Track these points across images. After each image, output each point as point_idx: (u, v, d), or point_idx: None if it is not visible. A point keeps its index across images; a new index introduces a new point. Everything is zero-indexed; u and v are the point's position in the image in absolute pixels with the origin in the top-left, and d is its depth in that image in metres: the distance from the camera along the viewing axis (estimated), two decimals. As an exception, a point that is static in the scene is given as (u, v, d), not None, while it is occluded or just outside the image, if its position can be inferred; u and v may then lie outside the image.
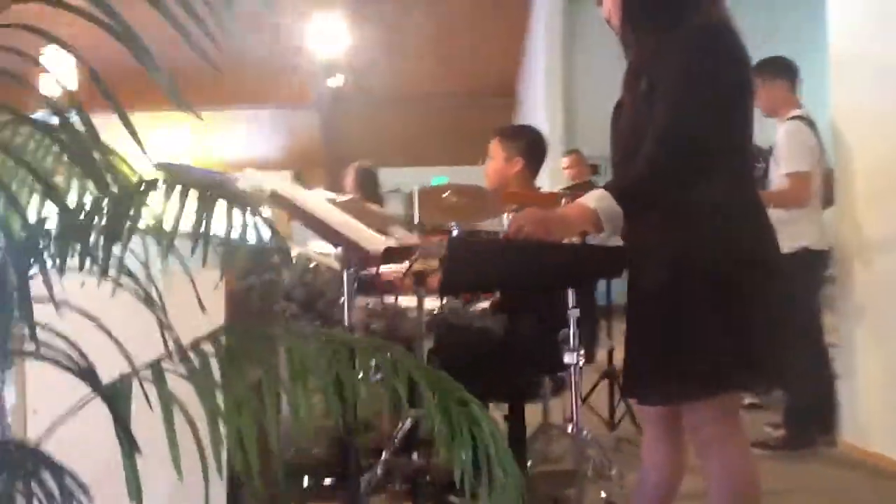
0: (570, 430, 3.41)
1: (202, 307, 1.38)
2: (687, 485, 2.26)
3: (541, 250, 1.95)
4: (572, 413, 3.05)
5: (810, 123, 4.32)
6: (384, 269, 3.60)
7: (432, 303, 3.77)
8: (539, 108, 9.38)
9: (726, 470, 1.99)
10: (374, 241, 2.48)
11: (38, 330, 1.14)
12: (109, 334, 1.21)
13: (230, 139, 10.40)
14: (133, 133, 1.16)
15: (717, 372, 1.90)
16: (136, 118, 1.22)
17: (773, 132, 4.40)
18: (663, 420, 2.18)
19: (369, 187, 5.40)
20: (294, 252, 3.45)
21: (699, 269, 1.90)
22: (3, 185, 1.11)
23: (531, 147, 3.59)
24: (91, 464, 1.39)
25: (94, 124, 1.18)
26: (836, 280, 4.51)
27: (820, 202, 4.39)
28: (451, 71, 10.01)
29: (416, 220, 3.52)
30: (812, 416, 4.35)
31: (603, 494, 3.31)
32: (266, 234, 1.52)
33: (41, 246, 1.20)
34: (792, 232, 3.97)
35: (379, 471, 3.46)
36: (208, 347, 1.23)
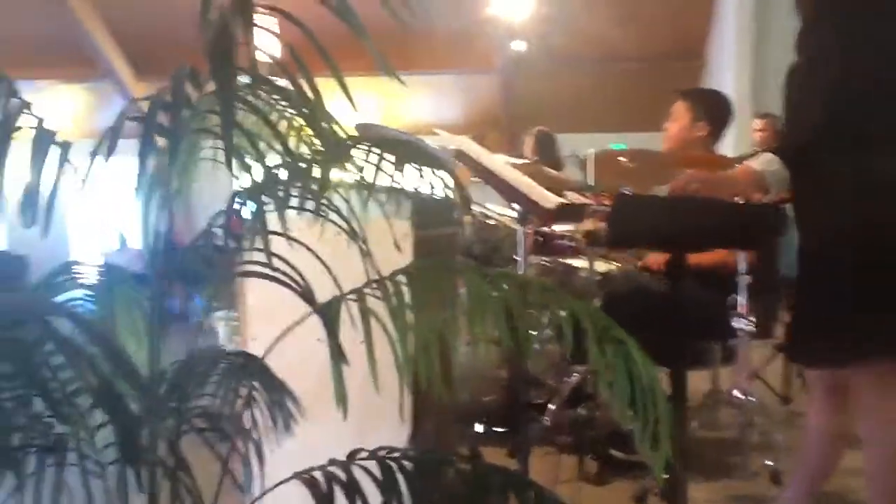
0: (737, 397, 3.42)
1: (398, 247, 1.59)
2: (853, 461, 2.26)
3: (705, 207, 2.01)
4: (740, 381, 3.07)
5: None
6: (559, 228, 3.72)
7: (607, 265, 3.87)
8: (727, 71, 9.03)
9: (888, 436, 1.99)
10: (548, 199, 2.61)
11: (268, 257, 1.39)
12: (323, 262, 1.44)
13: (414, 104, 10.80)
14: (348, 95, 1.36)
15: (882, 334, 1.90)
16: (329, 83, 1.41)
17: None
18: (830, 385, 2.19)
19: (547, 152, 5.51)
20: (475, 210, 3.65)
21: (867, 232, 1.90)
22: (250, 137, 1.36)
23: (717, 111, 3.56)
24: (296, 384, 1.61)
25: (317, 87, 1.40)
26: None
27: None
28: (636, 33, 9.81)
29: (591, 184, 3.62)
30: None
31: (768, 462, 3.31)
32: (450, 190, 1.70)
33: (272, 189, 1.45)
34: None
35: (546, 422, 3.63)
36: (401, 278, 1.43)
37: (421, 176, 1.61)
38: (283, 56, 1.41)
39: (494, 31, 9.69)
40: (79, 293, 1.46)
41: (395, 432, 2.24)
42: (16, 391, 0.95)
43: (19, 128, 1.27)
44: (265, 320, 2.21)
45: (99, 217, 9.93)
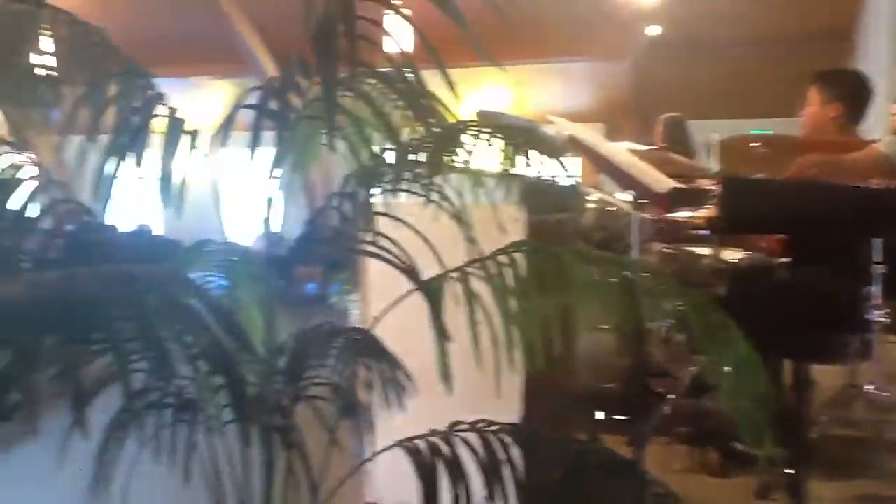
0: (872, 393, 3.26)
1: (503, 230, 1.64)
2: None
3: (826, 192, 1.93)
4: (876, 376, 2.92)
5: None
6: (683, 215, 3.64)
7: (734, 254, 3.75)
8: (880, 53, 8.46)
9: None
10: (662, 182, 2.57)
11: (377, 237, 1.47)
12: (426, 240, 1.50)
13: (545, 93, 10.77)
14: (450, 84, 1.41)
15: None
16: (466, 72, 1.47)
17: None
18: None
19: (677, 139, 5.39)
20: (594, 197, 3.64)
21: None
22: (358, 124, 1.44)
23: (852, 91, 3.38)
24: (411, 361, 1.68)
25: (421, 77, 1.46)
26: None
27: None
28: (778, 14, 9.35)
29: (717, 170, 3.52)
30: None
31: (904, 463, 3.13)
32: (563, 175, 1.72)
33: (381, 173, 1.53)
34: None
35: (667, 412, 3.58)
36: (502, 259, 1.47)
37: (528, 162, 1.64)
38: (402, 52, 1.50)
39: (628, 16, 9.51)
40: (207, 270, 1.61)
41: (507, 413, 2.29)
42: (143, 354, 1.06)
43: (155, 116, 1.40)
44: (384, 300, 2.30)
45: (248, 204, 10.52)
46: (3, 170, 1.29)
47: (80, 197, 1.44)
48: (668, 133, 5.41)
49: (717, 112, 8.53)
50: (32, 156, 1.42)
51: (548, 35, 9.43)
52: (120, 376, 0.97)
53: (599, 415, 3.77)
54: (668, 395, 3.58)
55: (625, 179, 2.70)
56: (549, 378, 2.74)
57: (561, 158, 1.66)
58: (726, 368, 1.57)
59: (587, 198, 3.53)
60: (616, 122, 9.98)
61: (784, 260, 3.35)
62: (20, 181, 1.30)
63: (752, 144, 3.49)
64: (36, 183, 1.33)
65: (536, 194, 2.35)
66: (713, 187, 3.28)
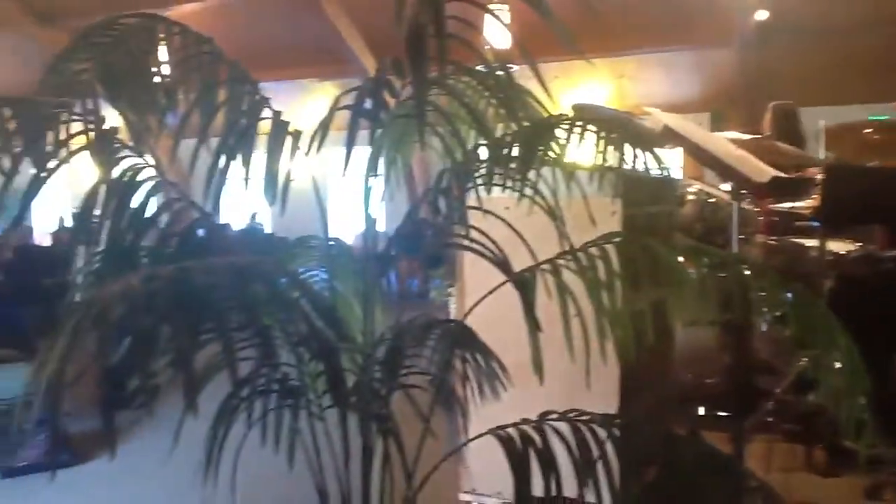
0: None
1: (593, 222, 1.64)
2: None
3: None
4: None
5: None
6: (789, 206, 3.53)
7: (844, 245, 3.61)
8: None
9: None
10: (762, 172, 2.50)
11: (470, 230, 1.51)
12: (519, 234, 1.53)
13: (647, 84, 10.54)
14: (539, 78, 1.43)
15: None
16: (567, 67, 1.48)
17: None
18: None
19: (786, 127, 5.18)
20: (694, 189, 3.57)
21: None
22: (450, 121, 1.48)
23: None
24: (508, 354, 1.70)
25: (511, 73, 1.49)
26: None
27: None
28: (897, -5, 8.86)
29: (823, 157, 3.39)
30: None
31: None
32: (658, 168, 1.71)
33: (474, 168, 1.56)
34: None
35: (770, 408, 3.48)
36: (593, 251, 1.48)
37: (623, 155, 1.64)
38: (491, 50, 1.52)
39: (733, 2, 9.20)
40: (310, 265, 1.68)
41: (603, 407, 2.28)
42: (250, 342, 1.14)
43: (261, 119, 1.49)
44: (478, 294, 2.34)
45: (353, 202, 10.82)
46: (123, 172, 1.39)
47: (194, 197, 1.54)
48: (777, 122, 5.21)
49: (826, 98, 8.15)
50: (150, 159, 1.52)
51: (649, 24, 9.23)
52: (228, 363, 1.04)
53: (700, 411, 3.70)
54: (773, 391, 3.48)
55: (724, 170, 2.64)
56: (647, 372, 2.72)
57: (658, 150, 1.66)
58: (833, 364, 1.53)
59: (686, 190, 3.46)
60: (722, 112, 9.67)
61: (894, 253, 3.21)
62: (139, 182, 1.40)
63: (865, 131, 3.35)
64: (153, 184, 1.43)
65: (633, 187, 2.34)
66: (819, 177, 3.16)
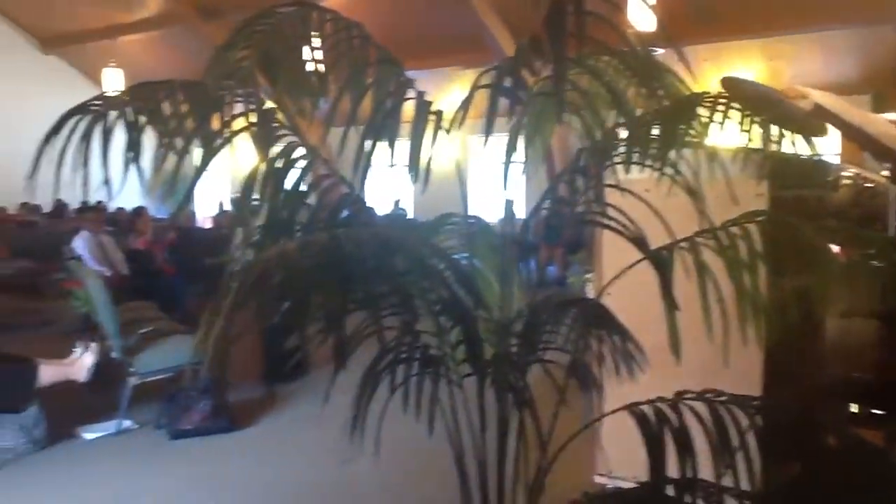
0: None
1: (736, 202, 1.61)
2: None
3: None
4: None
5: None
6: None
7: None
8: None
9: None
10: (924, 154, 2.34)
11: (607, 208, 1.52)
12: (657, 213, 1.52)
13: (803, 65, 9.99)
14: (683, 59, 1.42)
15: None
16: (716, 48, 1.46)
17: None
18: None
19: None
20: (849, 172, 3.38)
21: None
22: (589, 100, 1.49)
23: None
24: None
25: (651, 53, 1.48)
26: None
27: None
28: None
29: None
30: None
31: None
32: (809, 150, 1.65)
33: (612, 147, 1.57)
34: None
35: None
36: (734, 230, 1.46)
37: (769, 135, 1.59)
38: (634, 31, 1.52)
39: (902, -25, 8.56)
40: (450, 241, 1.74)
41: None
42: (393, 309, 1.20)
43: (406, 99, 1.56)
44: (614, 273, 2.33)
45: (491, 189, 10.93)
46: (281, 149, 1.50)
47: (343, 175, 1.63)
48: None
49: None
50: (301, 139, 1.62)
51: (805, 2, 8.74)
52: (375, 328, 1.11)
53: (853, 408, 3.51)
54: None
55: (882, 151, 2.49)
56: (792, 362, 2.62)
57: (812, 134, 1.60)
58: None
59: (842, 174, 3.28)
60: (883, 93, 9.04)
61: None
62: (295, 159, 1.50)
63: None
64: (305, 162, 1.53)
65: (782, 169, 2.25)
66: None
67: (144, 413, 4.23)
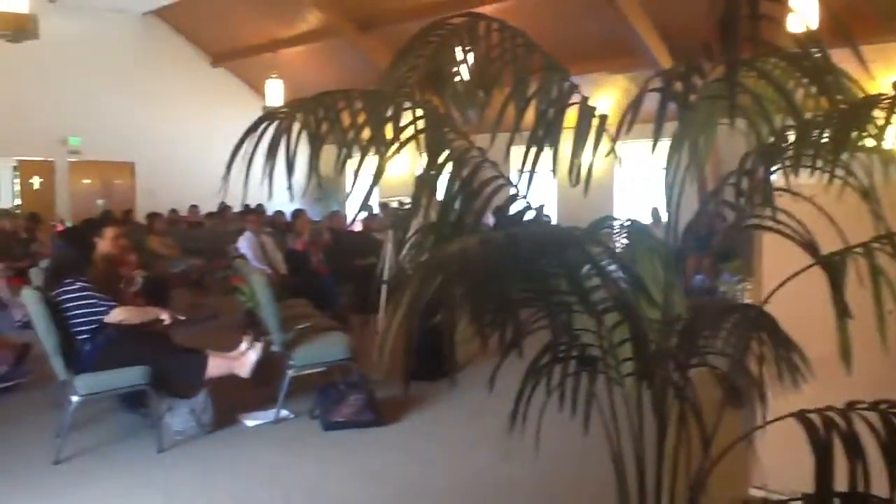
0: None
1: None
2: None
3: None
4: None
5: None
6: None
7: None
8: None
9: None
10: None
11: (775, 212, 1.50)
12: (829, 217, 1.48)
13: None
14: (859, 57, 1.39)
15: None
16: (886, 49, 1.41)
17: None
18: None
19: None
20: None
21: None
22: (759, 101, 1.48)
23: None
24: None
25: (827, 53, 1.45)
26: None
27: None
28: None
29: None
30: None
31: None
32: None
33: (782, 150, 1.54)
34: None
35: None
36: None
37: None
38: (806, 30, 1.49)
39: None
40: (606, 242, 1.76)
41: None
42: (557, 305, 1.25)
43: (571, 104, 1.60)
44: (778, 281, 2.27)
45: (645, 193, 10.75)
46: (453, 151, 1.57)
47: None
48: None
49: None
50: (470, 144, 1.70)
51: None
52: (549, 321, 1.16)
53: None
54: None
55: None
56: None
57: None
58: None
59: None
60: None
61: None
62: (465, 161, 1.57)
63: None
64: (475, 163, 1.60)
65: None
66: None
67: (300, 404, 4.47)
